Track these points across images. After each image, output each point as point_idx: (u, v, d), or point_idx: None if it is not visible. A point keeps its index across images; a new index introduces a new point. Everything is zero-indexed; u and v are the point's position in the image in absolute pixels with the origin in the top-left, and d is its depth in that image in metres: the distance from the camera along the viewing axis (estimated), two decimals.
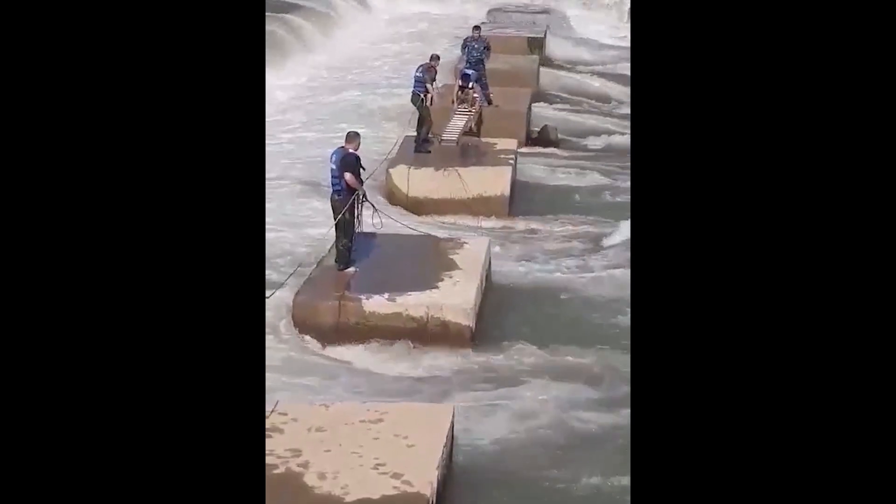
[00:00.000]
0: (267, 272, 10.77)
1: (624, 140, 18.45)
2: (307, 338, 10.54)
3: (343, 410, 8.25)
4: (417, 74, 16.23)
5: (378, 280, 11.06)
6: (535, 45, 26.86)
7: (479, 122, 18.03)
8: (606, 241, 13.98)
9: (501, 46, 23.30)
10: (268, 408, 7.79)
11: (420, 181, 15.14)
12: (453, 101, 17.70)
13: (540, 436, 8.91)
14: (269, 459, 7.05)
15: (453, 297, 10.75)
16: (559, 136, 19.58)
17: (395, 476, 7.22)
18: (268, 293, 9.81)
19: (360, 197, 11.24)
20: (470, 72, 17.98)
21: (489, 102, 18.61)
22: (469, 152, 16.48)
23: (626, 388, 8.68)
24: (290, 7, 28.91)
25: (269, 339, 10.26)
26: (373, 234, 12.00)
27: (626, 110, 19.71)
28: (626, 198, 12.96)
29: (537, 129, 19.55)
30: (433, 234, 13.28)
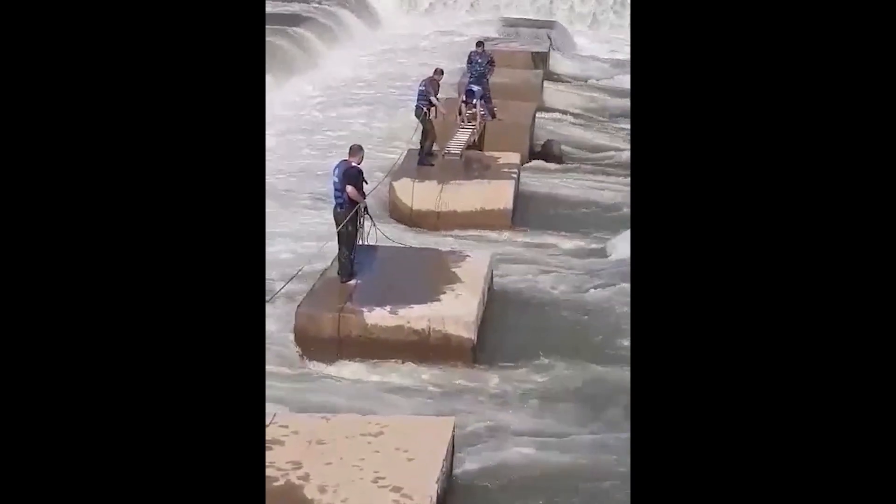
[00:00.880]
0: (272, 283, 10.84)
1: (627, 155, 18.49)
2: (309, 349, 10.54)
3: (343, 423, 8.25)
4: (421, 88, 16.33)
5: (380, 292, 11.07)
6: (540, 59, 27.00)
7: (483, 135, 18.09)
8: (609, 256, 14.00)
9: (506, 61, 23.40)
10: (268, 419, 7.80)
11: (423, 194, 15.18)
12: (457, 116, 17.76)
13: (540, 452, 8.89)
14: (269, 471, 7.05)
15: (455, 310, 10.76)
16: (562, 150, 19.63)
17: (395, 489, 7.22)
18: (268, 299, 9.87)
19: (362, 209, 11.27)
20: (475, 88, 18.05)
21: (493, 116, 18.68)
22: (472, 166, 16.54)
23: (625, 406, 8.70)
24: (296, 20, 29.07)
25: (271, 350, 10.29)
26: (376, 247, 12.02)
27: (629, 125, 19.75)
28: (629, 212, 12.97)
29: (541, 143, 19.60)
30: (435, 246, 13.29)
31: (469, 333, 10.60)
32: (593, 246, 14.62)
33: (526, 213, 15.78)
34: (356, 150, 11.19)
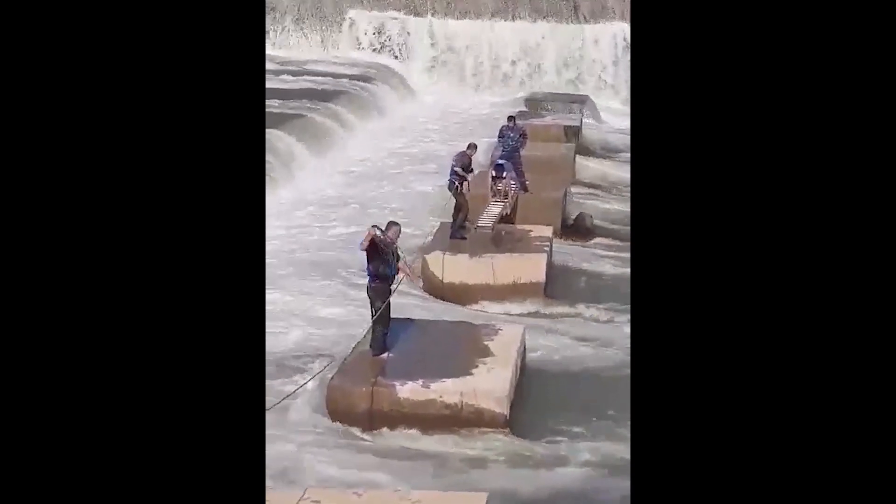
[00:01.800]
0: (303, 356, 10.87)
1: None
2: (339, 424, 10.51)
3: (375, 498, 8.18)
4: (453, 163, 16.52)
5: (412, 366, 11.06)
6: (572, 133, 27.17)
7: (515, 209, 18.19)
8: None
9: (539, 134, 23.58)
10: (298, 494, 7.75)
11: (455, 267, 15.23)
12: (489, 191, 17.91)
13: None
14: None
15: (487, 384, 10.71)
16: (594, 222, 19.67)
17: None
18: (300, 381, 10.31)
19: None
20: (503, 162, 18.21)
21: (525, 189, 18.79)
22: (504, 239, 16.59)
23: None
24: (331, 95, 29.53)
25: (303, 425, 10.30)
26: (408, 320, 12.03)
27: None
28: None
29: (573, 217, 19.66)
30: (468, 320, 13.28)
31: (501, 408, 10.53)
32: (629, 318, 14.53)
33: (559, 285, 15.76)
34: (391, 226, 11.27)
